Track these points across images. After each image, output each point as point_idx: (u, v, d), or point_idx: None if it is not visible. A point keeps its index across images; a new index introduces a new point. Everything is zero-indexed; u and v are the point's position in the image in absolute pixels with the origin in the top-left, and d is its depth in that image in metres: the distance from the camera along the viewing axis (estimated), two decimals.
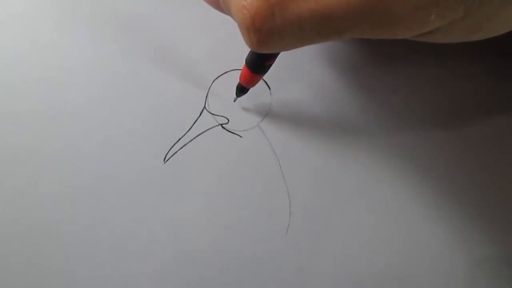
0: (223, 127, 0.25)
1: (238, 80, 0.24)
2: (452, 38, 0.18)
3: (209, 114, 0.25)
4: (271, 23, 0.15)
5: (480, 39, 0.18)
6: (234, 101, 0.25)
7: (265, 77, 0.26)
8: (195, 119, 0.25)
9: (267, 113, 0.25)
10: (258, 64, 0.21)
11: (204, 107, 0.25)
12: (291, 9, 0.15)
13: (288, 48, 0.17)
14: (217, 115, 0.25)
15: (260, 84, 0.26)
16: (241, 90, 0.24)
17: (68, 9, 0.26)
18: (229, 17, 0.17)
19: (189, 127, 0.25)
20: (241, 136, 0.25)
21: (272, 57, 0.21)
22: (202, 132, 0.25)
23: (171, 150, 0.25)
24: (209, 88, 0.25)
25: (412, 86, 0.26)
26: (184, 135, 0.25)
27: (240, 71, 0.23)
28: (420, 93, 0.26)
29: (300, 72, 0.26)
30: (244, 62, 0.22)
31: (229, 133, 0.25)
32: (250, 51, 0.21)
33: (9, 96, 0.25)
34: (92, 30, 0.26)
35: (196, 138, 0.25)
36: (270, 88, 0.26)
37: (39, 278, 0.23)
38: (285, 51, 0.18)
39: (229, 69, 0.25)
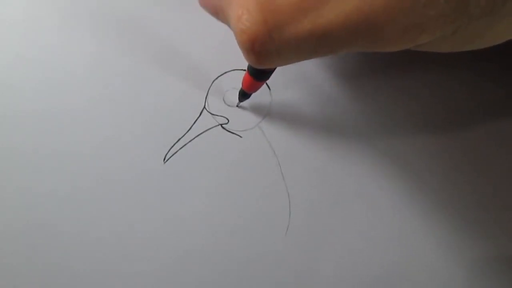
0: (223, 127, 0.25)
1: (238, 80, 0.24)
2: (440, 50, 0.18)
3: (209, 114, 0.25)
4: (269, 46, 0.16)
5: (469, 49, 0.19)
6: (237, 106, 0.25)
7: None
8: (195, 119, 0.25)
9: (267, 113, 0.25)
10: (259, 72, 0.22)
11: (204, 107, 0.25)
12: (288, 31, 0.16)
13: (286, 64, 0.18)
14: (217, 115, 0.25)
15: None
16: (243, 95, 0.24)
17: (68, 11, 0.26)
18: None
19: (189, 127, 0.25)
20: (241, 136, 0.25)
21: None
22: (202, 132, 0.25)
23: (171, 150, 0.25)
24: (209, 88, 0.26)
25: (411, 90, 0.26)
26: (184, 135, 0.25)
27: (240, 72, 0.23)
28: (419, 97, 0.26)
29: (300, 72, 0.26)
30: (246, 68, 0.22)
31: (229, 133, 0.25)
32: None
33: (10, 96, 0.25)
34: (91, 31, 0.26)
35: (196, 138, 0.25)
36: (270, 88, 0.26)
37: (39, 278, 0.23)
38: None
39: (229, 69, 0.25)
